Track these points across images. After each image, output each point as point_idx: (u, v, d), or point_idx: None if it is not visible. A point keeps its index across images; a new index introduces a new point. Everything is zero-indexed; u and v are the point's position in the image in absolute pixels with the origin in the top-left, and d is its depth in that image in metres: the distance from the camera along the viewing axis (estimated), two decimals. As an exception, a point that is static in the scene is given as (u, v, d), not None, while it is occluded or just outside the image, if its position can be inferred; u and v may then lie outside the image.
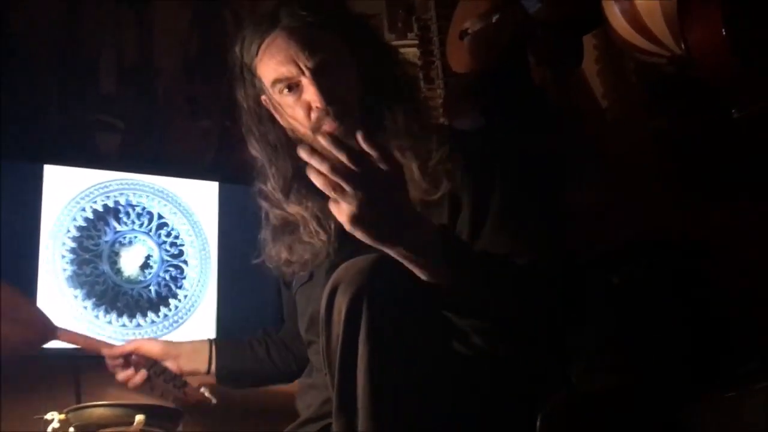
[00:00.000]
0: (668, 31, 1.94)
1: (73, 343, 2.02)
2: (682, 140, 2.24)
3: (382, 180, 1.17)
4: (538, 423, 1.33)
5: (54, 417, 1.94)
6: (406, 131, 1.47)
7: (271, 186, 1.58)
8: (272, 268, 1.62)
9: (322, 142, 1.19)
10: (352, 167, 1.16)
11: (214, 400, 1.93)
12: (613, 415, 1.76)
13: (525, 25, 2.21)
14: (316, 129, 1.48)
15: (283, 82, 1.50)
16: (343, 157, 1.16)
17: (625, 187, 2.31)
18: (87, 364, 2.32)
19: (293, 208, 1.56)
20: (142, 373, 1.91)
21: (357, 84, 1.51)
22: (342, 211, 1.17)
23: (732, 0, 1.88)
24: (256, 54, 1.53)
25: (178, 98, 2.64)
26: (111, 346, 1.98)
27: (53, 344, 2.24)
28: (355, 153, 1.17)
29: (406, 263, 1.23)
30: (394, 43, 2.60)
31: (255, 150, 1.60)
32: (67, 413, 1.95)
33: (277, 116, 1.56)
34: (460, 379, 1.26)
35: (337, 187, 1.16)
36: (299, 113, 1.51)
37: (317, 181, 1.18)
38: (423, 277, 1.24)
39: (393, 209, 1.19)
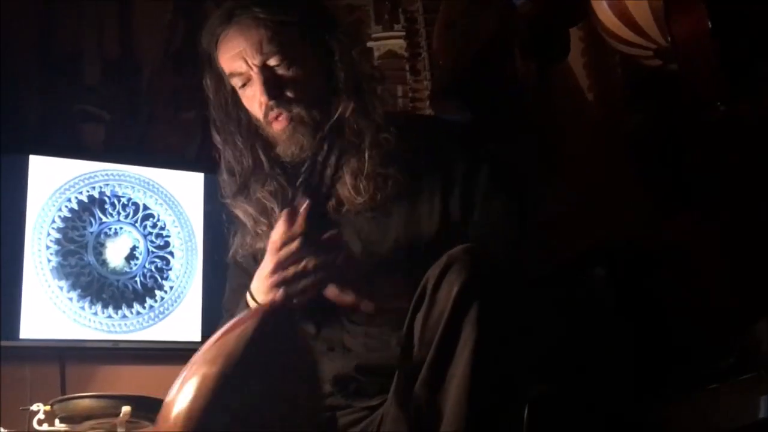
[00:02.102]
0: (654, 23, 1.95)
1: None
2: (653, 140, 2.26)
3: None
4: (525, 413, 1.35)
5: (40, 408, 1.93)
6: (350, 127, 1.49)
7: (236, 174, 1.59)
8: (246, 256, 1.61)
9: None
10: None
11: None
12: (593, 408, 1.79)
13: (511, 17, 2.22)
14: (267, 123, 1.53)
15: (237, 76, 1.54)
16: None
17: (588, 194, 2.33)
18: (72, 355, 2.32)
19: (259, 191, 1.57)
20: None
21: (310, 77, 1.52)
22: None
23: (717, -6, 1.89)
24: (215, 46, 1.56)
25: (162, 89, 2.63)
26: None
27: (38, 335, 2.24)
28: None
29: None
30: (381, 35, 2.61)
31: (217, 141, 1.61)
32: (52, 404, 1.94)
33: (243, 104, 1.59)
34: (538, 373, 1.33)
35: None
36: (254, 106, 1.55)
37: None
38: None
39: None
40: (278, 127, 1.52)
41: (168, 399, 1.22)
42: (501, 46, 2.31)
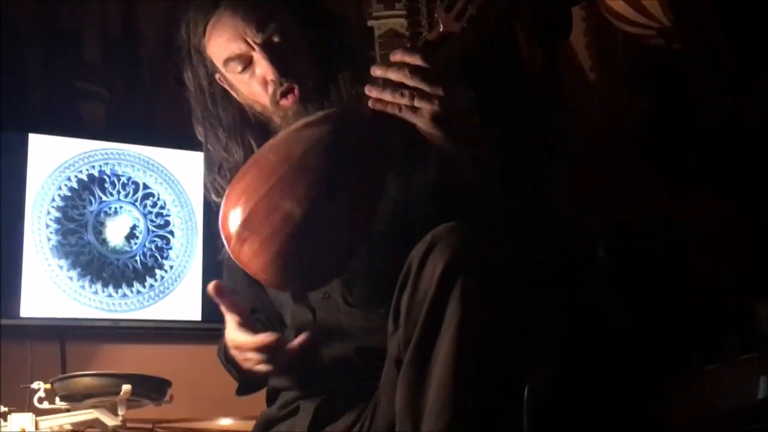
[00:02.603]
0: (658, 3, 1.94)
1: None
2: (658, 126, 2.26)
3: (450, 86, 1.23)
4: (525, 394, 1.35)
5: (40, 386, 1.93)
6: (351, 97, 1.47)
7: (222, 173, 1.56)
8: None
9: (395, 56, 1.24)
10: (425, 67, 1.22)
11: None
12: (596, 385, 1.79)
13: (514, -3, 2.20)
14: (274, 102, 1.47)
15: (235, 60, 1.47)
16: (411, 60, 1.22)
17: (595, 176, 2.32)
18: (72, 334, 2.32)
19: None
20: None
21: (307, 53, 1.50)
22: (422, 114, 1.24)
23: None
24: (203, 34, 1.50)
25: (163, 67, 2.62)
26: None
27: (39, 313, 2.24)
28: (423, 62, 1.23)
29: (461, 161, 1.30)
30: (382, 13, 2.59)
31: (202, 136, 1.57)
32: (53, 383, 1.95)
33: (233, 94, 1.54)
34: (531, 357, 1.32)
35: (415, 92, 1.22)
36: (256, 88, 1.49)
37: (387, 95, 1.24)
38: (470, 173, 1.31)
39: (465, 114, 1.27)
40: (287, 103, 1.47)
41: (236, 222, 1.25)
42: (504, 25, 2.30)
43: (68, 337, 2.31)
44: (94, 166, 2.39)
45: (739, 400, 1.71)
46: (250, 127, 1.53)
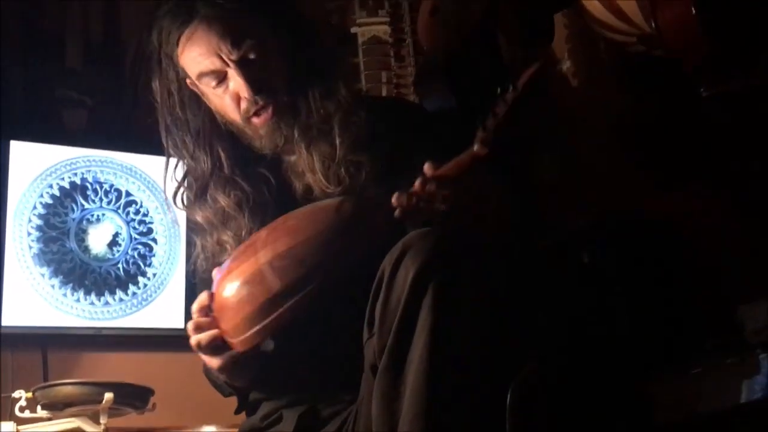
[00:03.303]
0: (638, 9, 1.95)
1: None
2: (645, 120, 2.27)
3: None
4: (508, 396, 1.35)
5: (21, 395, 1.92)
6: (318, 112, 1.46)
7: (188, 183, 1.54)
8: (208, 270, 1.51)
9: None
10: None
11: None
12: (580, 388, 1.79)
13: (496, 2, 2.21)
14: (246, 119, 1.47)
15: (209, 75, 1.46)
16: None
17: (588, 166, 2.33)
18: (54, 342, 2.30)
19: (222, 199, 1.52)
20: None
21: (283, 66, 1.49)
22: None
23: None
24: (177, 45, 1.47)
25: (145, 74, 2.61)
26: None
27: (20, 322, 2.22)
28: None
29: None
30: (365, 20, 2.60)
31: (172, 147, 1.53)
32: (34, 391, 1.94)
33: (204, 99, 1.52)
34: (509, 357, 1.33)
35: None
36: (228, 102, 1.47)
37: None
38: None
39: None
40: (260, 121, 1.47)
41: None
42: (486, 31, 2.31)
43: (50, 345, 2.29)
44: (76, 174, 2.38)
45: (723, 403, 1.72)
46: (219, 135, 1.51)
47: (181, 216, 2.46)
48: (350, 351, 1.37)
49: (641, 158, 2.25)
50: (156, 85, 1.52)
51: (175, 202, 1.56)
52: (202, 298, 1.39)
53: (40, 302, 2.26)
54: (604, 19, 2.01)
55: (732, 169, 2.14)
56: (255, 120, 1.46)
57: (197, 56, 1.45)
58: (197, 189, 1.52)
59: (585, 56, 2.43)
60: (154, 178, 2.47)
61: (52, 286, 2.29)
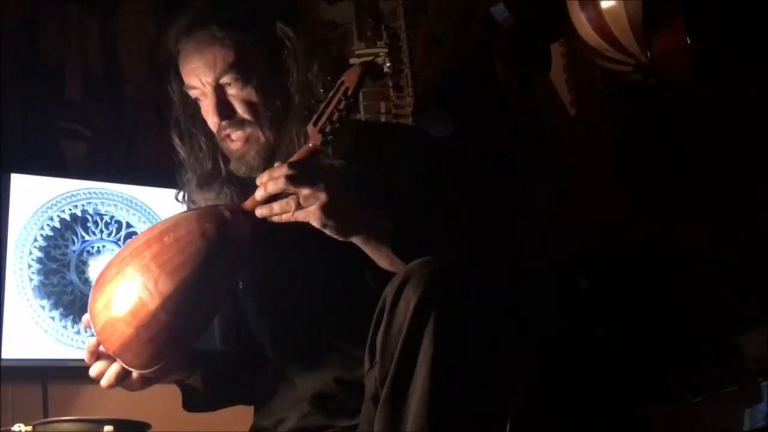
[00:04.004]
0: (634, 39, 1.97)
1: None
2: (638, 147, 2.28)
3: (329, 181, 1.34)
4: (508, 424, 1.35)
5: (21, 429, 1.91)
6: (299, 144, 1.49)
7: (197, 173, 1.58)
8: None
9: (259, 179, 1.36)
10: (306, 175, 1.33)
11: None
12: (580, 416, 1.78)
13: (493, 33, 2.23)
14: (219, 137, 1.53)
15: (192, 89, 1.53)
16: (287, 171, 1.33)
17: (580, 194, 2.34)
18: (54, 375, 2.30)
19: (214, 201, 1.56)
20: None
21: (268, 98, 1.51)
22: (311, 213, 1.32)
23: (695, 9, 1.92)
24: (177, 57, 1.55)
25: (145, 105, 2.63)
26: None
27: (20, 354, 2.22)
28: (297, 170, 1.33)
29: (367, 249, 1.37)
30: (364, 51, 2.62)
31: (177, 143, 1.60)
32: (34, 426, 1.93)
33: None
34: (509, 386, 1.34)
35: (301, 197, 1.32)
36: (209, 118, 1.53)
37: (275, 208, 1.35)
38: (381, 263, 1.37)
39: (350, 201, 1.35)
40: (231, 146, 1.52)
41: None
42: (483, 61, 2.32)
43: (50, 378, 2.28)
44: (76, 206, 2.39)
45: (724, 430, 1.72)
46: (217, 146, 1.57)
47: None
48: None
49: (637, 184, 2.26)
50: (171, 87, 1.59)
51: (176, 198, 1.63)
52: (91, 342, 1.44)
53: (41, 335, 2.25)
54: (599, 49, 2.03)
55: (729, 194, 2.15)
56: (226, 144, 1.53)
57: (185, 72, 1.53)
58: (199, 181, 1.58)
59: (581, 84, 2.45)
60: (154, 210, 2.47)
61: (53, 319, 2.29)
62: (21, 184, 2.32)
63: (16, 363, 2.22)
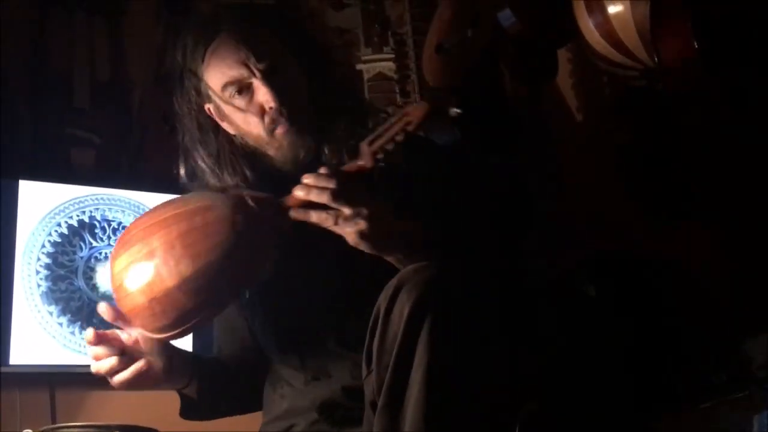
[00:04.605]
0: (641, 45, 1.96)
1: None
2: (642, 153, 2.28)
3: (372, 208, 1.32)
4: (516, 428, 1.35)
5: (29, 435, 1.92)
6: (345, 138, 1.49)
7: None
8: None
9: (305, 180, 1.34)
10: (351, 196, 1.32)
11: None
12: (586, 425, 1.78)
13: (500, 39, 2.23)
14: (270, 131, 1.50)
15: (234, 85, 1.50)
16: (332, 185, 1.31)
17: (585, 203, 2.34)
18: (62, 381, 2.30)
19: None
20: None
21: (303, 89, 1.52)
22: (347, 234, 1.32)
23: (702, 14, 1.91)
24: (202, 60, 1.52)
25: (152, 112, 2.63)
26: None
27: (28, 360, 2.22)
28: (343, 188, 1.32)
29: (396, 264, 1.36)
30: (370, 57, 2.62)
31: (200, 159, 1.57)
32: (41, 432, 1.93)
33: (223, 125, 1.55)
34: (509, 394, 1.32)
35: (341, 216, 1.32)
36: (251, 118, 1.50)
37: (313, 217, 1.33)
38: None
39: (389, 227, 1.34)
40: (281, 131, 1.49)
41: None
42: (490, 67, 2.33)
43: (58, 384, 2.29)
44: (84, 212, 2.39)
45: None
46: (242, 156, 1.54)
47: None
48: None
49: (643, 192, 2.26)
50: (177, 103, 1.57)
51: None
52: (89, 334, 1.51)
53: (49, 341, 2.26)
54: (607, 55, 2.03)
55: (733, 199, 2.14)
56: (278, 131, 1.49)
57: (223, 67, 1.50)
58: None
59: (588, 90, 2.45)
60: (161, 216, 2.48)
61: (60, 325, 2.29)
62: (29, 190, 2.33)
63: (24, 369, 2.23)
